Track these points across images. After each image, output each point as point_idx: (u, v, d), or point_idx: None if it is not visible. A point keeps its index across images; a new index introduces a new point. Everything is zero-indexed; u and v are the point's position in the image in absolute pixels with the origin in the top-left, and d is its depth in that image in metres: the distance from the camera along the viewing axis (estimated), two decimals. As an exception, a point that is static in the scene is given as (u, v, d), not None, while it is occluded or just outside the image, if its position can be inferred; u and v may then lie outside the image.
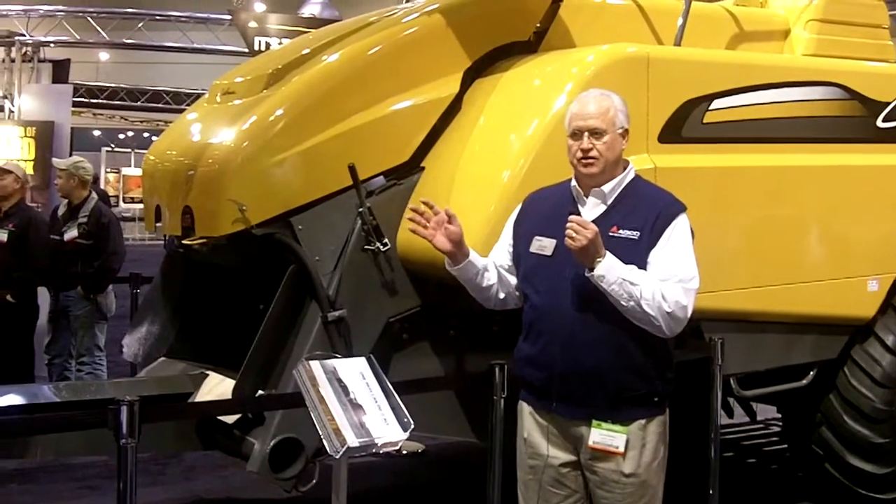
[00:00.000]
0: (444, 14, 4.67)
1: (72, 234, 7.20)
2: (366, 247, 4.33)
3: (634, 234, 3.27)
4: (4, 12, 14.75)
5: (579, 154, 3.32)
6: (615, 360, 3.26)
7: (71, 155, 9.95)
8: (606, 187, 3.35)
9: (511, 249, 3.54)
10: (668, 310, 3.18)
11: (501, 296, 3.55)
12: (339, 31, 5.03)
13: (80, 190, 7.36)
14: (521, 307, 3.54)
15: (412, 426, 3.17)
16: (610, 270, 3.15)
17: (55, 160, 7.55)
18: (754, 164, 4.71)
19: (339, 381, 3.19)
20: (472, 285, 3.54)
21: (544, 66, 4.57)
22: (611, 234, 3.23)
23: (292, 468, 4.12)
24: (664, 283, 3.19)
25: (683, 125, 4.48)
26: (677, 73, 4.52)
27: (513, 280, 3.54)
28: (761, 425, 7.04)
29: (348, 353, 4.03)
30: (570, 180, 3.45)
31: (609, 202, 3.36)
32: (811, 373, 5.13)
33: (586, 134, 3.31)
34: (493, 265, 3.55)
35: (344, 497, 3.24)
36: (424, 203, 3.50)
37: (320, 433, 3.07)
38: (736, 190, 4.66)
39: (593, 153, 3.30)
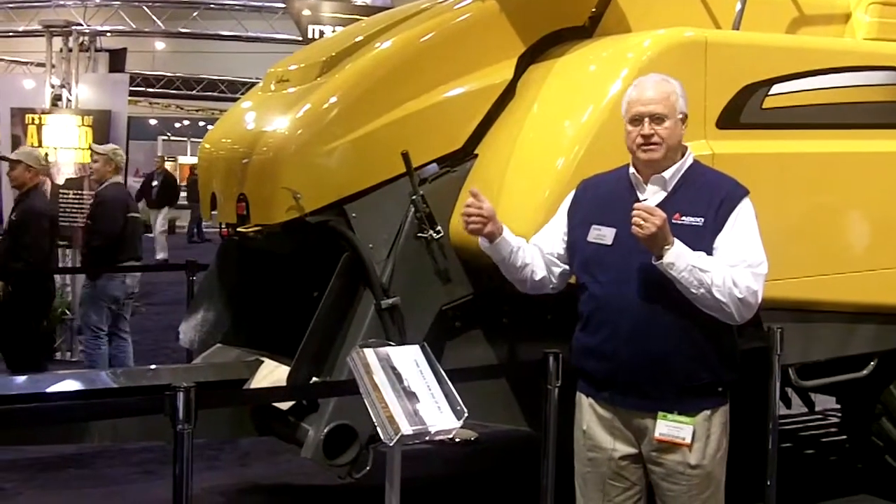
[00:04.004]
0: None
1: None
2: (419, 234, 4.32)
3: (698, 221, 3.22)
4: (62, 2, 14.92)
5: (640, 140, 3.27)
6: (682, 349, 3.22)
7: (128, 144, 10.04)
8: (667, 173, 3.30)
9: (565, 237, 3.50)
10: (740, 296, 3.13)
11: (538, 277, 3.49)
12: (392, 18, 5.02)
13: (113, 175, 7.58)
14: (557, 293, 3.53)
15: (465, 414, 3.15)
16: (679, 257, 3.10)
17: (94, 145, 7.78)
18: (814, 151, 4.63)
19: (393, 368, 3.18)
20: (506, 265, 3.48)
21: (600, 51, 4.52)
22: (674, 221, 3.17)
23: (346, 455, 4.13)
24: (733, 268, 3.15)
25: (742, 111, 4.41)
26: (736, 57, 4.45)
27: (558, 266, 3.50)
28: (820, 416, 6.95)
29: (402, 341, 4.02)
30: (625, 167, 3.41)
31: (669, 189, 3.30)
32: (871, 363, 5.04)
33: (647, 119, 3.26)
34: (530, 246, 3.51)
35: (397, 484, 3.23)
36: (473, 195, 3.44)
37: (374, 420, 3.07)
38: (796, 177, 4.57)
39: (655, 139, 3.25)
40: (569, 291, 3.54)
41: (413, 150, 4.29)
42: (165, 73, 24.12)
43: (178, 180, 24.32)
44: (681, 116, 3.31)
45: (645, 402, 3.28)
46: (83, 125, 9.65)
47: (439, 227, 4.31)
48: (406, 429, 3.03)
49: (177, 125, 37.72)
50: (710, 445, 3.29)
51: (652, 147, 3.26)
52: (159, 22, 16.50)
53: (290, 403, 4.30)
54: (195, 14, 17.15)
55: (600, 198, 3.44)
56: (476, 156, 4.51)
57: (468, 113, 4.53)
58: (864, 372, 5.04)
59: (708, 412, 3.29)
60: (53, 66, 10.33)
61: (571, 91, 4.38)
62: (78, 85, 10.18)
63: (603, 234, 3.32)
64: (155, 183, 19.58)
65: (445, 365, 3.45)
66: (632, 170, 3.37)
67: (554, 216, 3.60)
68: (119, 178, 7.67)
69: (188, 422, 3.26)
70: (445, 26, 4.63)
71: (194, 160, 24.32)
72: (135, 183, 19.46)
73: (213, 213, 5.01)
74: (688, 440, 3.24)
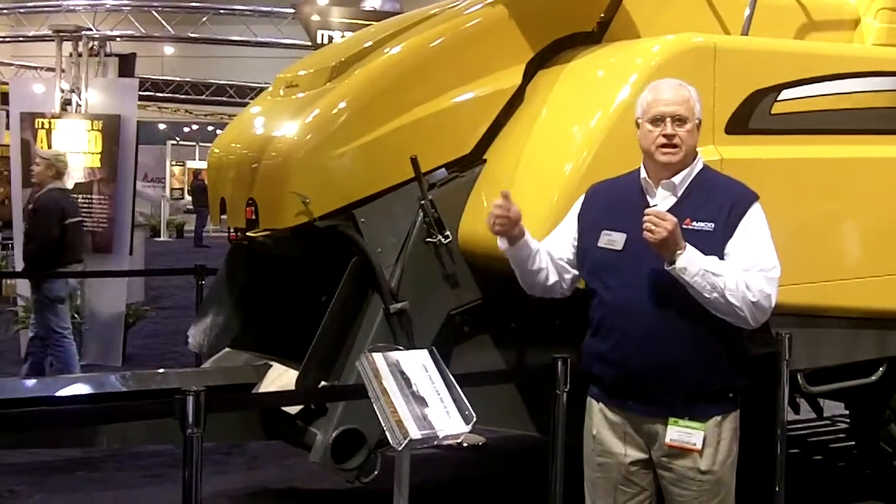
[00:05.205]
0: (507, 5, 4.64)
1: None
2: (428, 239, 4.33)
3: (709, 226, 3.21)
4: (72, 7, 14.98)
5: (662, 140, 3.25)
6: (693, 355, 3.21)
7: (137, 148, 10.04)
8: (677, 178, 3.29)
9: (575, 243, 3.50)
10: (754, 299, 3.13)
11: (550, 282, 3.48)
12: (401, 23, 5.03)
13: (53, 180, 7.63)
14: (566, 297, 3.52)
15: (474, 419, 3.16)
16: (692, 262, 3.10)
17: (38, 150, 7.87)
18: (823, 156, 4.62)
19: (402, 373, 3.18)
20: (523, 267, 3.45)
21: (608, 56, 4.52)
22: (684, 226, 3.16)
23: (354, 459, 4.14)
24: (746, 272, 3.14)
25: (751, 116, 4.41)
26: (744, 63, 4.45)
27: (569, 271, 3.49)
28: (828, 422, 6.93)
29: (410, 346, 4.03)
30: (635, 172, 3.40)
31: (679, 194, 3.29)
32: (880, 368, 5.02)
33: (669, 120, 3.25)
34: (543, 251, 3.50)
35: (406, 489, 3.23)
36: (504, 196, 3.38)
37: (383, 425, 3.07)
38: (804, 182, 4.57)
39: (676, 140, 3.24)
40: (578, 296, 3.54)
41: (422, 155, 4.30)
42: (174, 77, 24.19)
43: (185, 185, 23.89)
44: (697, 121, 3.31)
45: (655, 407, 3.27)
46: (93, 130, 9.67)
47: (448, 232, 4.32)
48: (415, 433, 3.03)
49: (186, 130, 37.77)
50: (720, 451, 3.28)
51: (672, 149, 3.25)
52: (169, 27, 16.55)
53: (299, 407, 4.31)
54: (204, 19, 17.21)
55: (610, 203, 3.43)
56: (485, 161, 4.52)
57: (477, 118, 4.54)
58: (873, 377, 5.03)
59: (718, 418, 3.28)
60: (63, 71, 10.35)
61: (580, 96, 4.38)
62: (87, 89, 10.20)
63: (613, 240, 3.31)
64: None
65: (454, 369, 3.46)
66: (643, 174, 3.36)
67: (563, 221, 3.60)
68: (60, 184, 7.74)
69: (198, 425, 3.26)
70: (454, 32, 4.64)
71: (203, 164, 24.33)
72: (143, 188, 18.97)
73: (222, 217, 5.02)
74: (699, 446, 3.23)
